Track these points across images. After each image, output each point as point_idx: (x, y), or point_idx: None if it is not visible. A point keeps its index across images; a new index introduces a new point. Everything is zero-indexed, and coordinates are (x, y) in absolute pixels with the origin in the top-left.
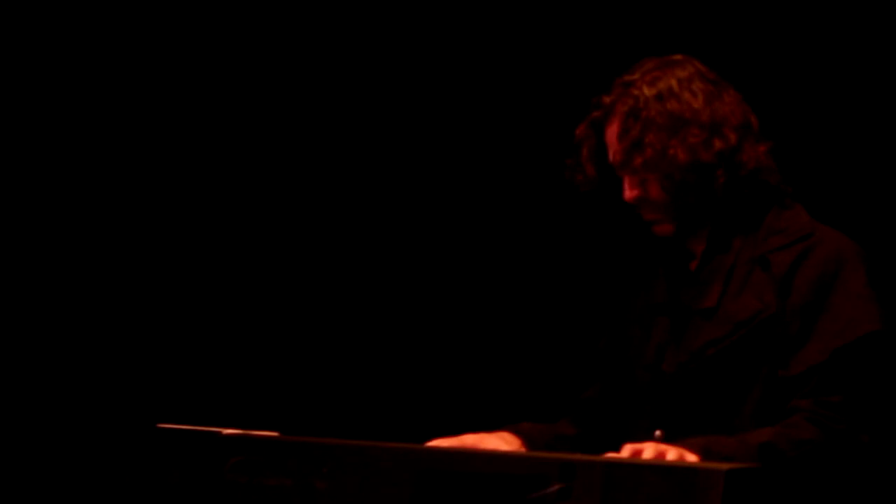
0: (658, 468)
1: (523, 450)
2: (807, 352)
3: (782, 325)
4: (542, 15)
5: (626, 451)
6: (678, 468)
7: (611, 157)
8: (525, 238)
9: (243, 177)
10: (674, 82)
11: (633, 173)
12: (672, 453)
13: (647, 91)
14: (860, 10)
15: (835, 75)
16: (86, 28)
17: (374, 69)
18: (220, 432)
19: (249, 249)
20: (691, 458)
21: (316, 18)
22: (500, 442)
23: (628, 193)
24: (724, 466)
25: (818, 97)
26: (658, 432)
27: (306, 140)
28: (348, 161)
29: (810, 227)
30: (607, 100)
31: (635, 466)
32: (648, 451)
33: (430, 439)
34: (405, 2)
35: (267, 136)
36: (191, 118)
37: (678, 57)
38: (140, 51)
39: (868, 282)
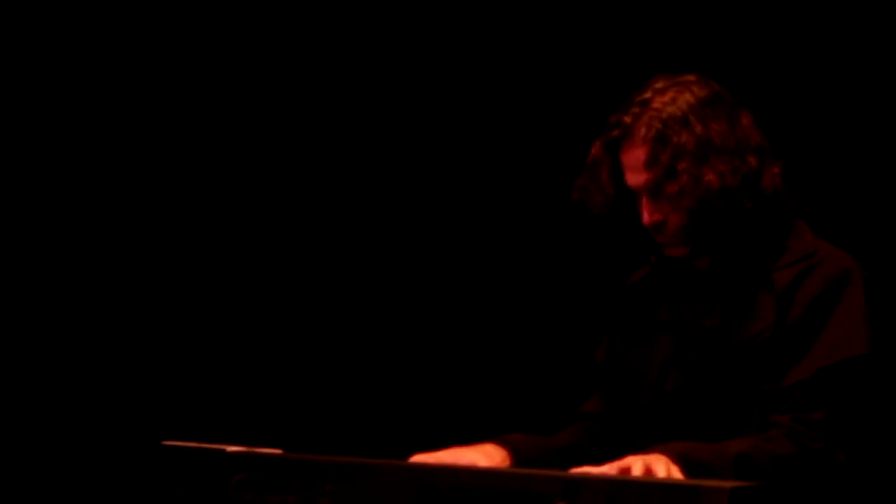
0: (662, 486)
1: (508, 462)
2: (796, 368)
3: (780, 341)
4: (542, 22)
5: (614, 468)
6: (682, 486)
7: (632, 180)
8: (524, 249)
9: (247, 186)
10: (696, 104)
11: (666, 200)
12: (660, 468)
13: (670, 111)
14: (857, 13)
15: (830, 82)
16: (86, 28)
17: (376, 72)
18: (224, 449)
19: (256, 267)
20: (676, 472)
21: (318, 19)
22: (479, 456)
23: (649, 218)
24: (728, 484)
25: (814, 107)
26: None
27: (306, 153)
28: (351, 171)
29: (813, 246)
30: (627, 119)
31: (639, 484)
32: (637, 466)
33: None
34: (406, 4)
35: (266, 148)
36: (190, 119)
37: (692, 77)
38: (140, 51)
39: (865, 304)
